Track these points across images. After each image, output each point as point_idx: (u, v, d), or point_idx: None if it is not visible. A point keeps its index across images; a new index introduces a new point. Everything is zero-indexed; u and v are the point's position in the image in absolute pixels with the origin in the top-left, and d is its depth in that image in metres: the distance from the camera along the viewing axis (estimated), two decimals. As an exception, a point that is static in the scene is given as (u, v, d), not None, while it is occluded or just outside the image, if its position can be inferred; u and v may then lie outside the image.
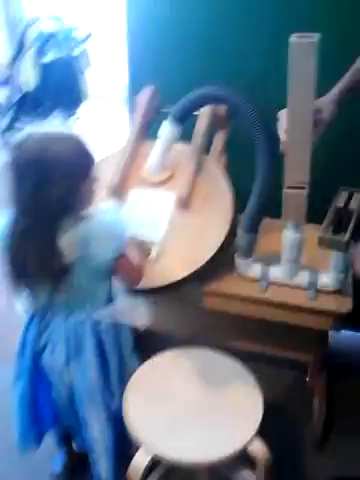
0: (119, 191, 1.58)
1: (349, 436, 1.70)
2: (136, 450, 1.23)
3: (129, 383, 1.34)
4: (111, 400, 1.34)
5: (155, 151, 1.58)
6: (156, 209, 1.56)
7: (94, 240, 1.17)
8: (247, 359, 1.41)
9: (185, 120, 1.53)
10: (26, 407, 1.38)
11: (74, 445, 1.48)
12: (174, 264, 1.46)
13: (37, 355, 1.34)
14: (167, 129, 1.53)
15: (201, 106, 1.56)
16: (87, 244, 1.17)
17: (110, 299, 1.34)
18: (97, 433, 1.34)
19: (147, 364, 1.40)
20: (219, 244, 1.46)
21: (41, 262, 1.16)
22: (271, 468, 1.22)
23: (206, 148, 1.64)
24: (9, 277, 1.22)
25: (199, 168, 1.58)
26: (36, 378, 1.37)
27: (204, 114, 1.62)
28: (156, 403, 1.30)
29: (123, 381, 1.36)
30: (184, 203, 1.52)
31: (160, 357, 1.43)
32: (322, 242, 1.28)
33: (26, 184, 1.12)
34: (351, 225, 1.28)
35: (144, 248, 1.46)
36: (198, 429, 1.23)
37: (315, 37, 1.13)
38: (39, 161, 1.12)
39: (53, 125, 1.20)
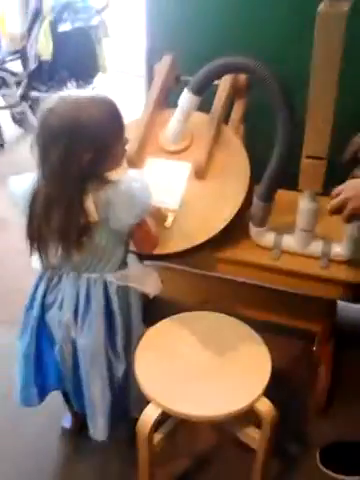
0: (136, 159, 1.59)
1: (352, 404, 1.75)
2: (140, 412, 1.27)
3: (141, 342, 1.38)
4: (115, 362, 1.37)
5: (173, 120, 1.59)
6: (173, 177, 1.58)
7: (119, 205, 1.20)
8: (256, 328, 1.44)
9: (204, 91, 1.53)
10: (29, 362, 1.42)
11: (73, 404, 1.52)
12: (190, 231, 1.48)
13: (45, 311, 1.38)
14: (186, 99, 1.54)
15: (220, 76, 1.56)
16: (112, 207, 1.20)
17: (124, 263, 1.37)
18: (97, 392, 1.37)
19: (159, 325, 1.45)
20: (235, 212, 1.48)
21: (66, 221, 1.18)
22: (276, 427, 1.27)
23: (225, 117, 1.66)
24: (30, 236, 1.26)
25: (217, 137, 1.59)
26: (41, 335, 1.40)
27: (224, 83, 1.63)
28: (166, 361, 1.34)
29: (129, 346, 1.39)
30: (201, 172, 1.54)
31: (172, 319, 1.47)
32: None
33: (57, 148, 1.13)
34: None
35: (161, 215, 1.49)
36: (207, 386, 1.27)
37: (346, 6, 1.12)
38: (72, 125, 1.13)
39: (84, 90, 1.21)
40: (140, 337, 1.40)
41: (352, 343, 1.96)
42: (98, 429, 1.41)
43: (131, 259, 1.40)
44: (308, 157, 1.30)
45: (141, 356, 1.35)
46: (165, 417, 1.31)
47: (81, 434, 1.66)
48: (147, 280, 1.39)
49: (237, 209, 1.49)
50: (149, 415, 1.25)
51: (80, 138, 1.14)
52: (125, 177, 1.24)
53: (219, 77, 1.57)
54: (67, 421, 1.71)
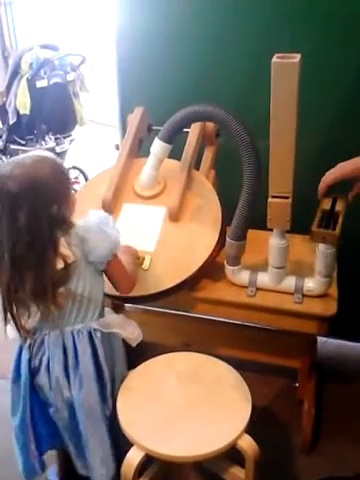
0: (112, 205, 1.65)
1: (337, 438, 1.76)
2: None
3: (123, 385, 1.39)
4: (105, 408, 1.37)
5: (147, 167, 1.66)
6: (148, 221, 1.63)
7: (93, 236, 1.24)
8: (238, 367, 1.46)
9: (173, 138, 1.60)
10: (26, 434, 1.41)
11: (76, 464, 1.48)
12: (166, 272, 1.52)
13: (32, 377, 1.37)
14: (157, 147, 1.61)
15: (188, 124, 1.63)
16: (86, 242, 1.24)
17: (102, 313, 1.39)
18: (97, 442, 1.36)
19: (140, 367, 1.46)
20: (208, 253, 1.53)
21: (40, 277, 1.20)
22: (259, 464, 1.27)
23: (196, 163, 1.72)
24: (5, 304, 1.25)
25: (189, 182, 1.66)
26: (33, 402, 1.39)
27: (193, 131, 1.70)
28: (149, 403, 1.35)
29: (114, 389, 1.39)
30: (175, 215, 1.60)
31: (153, 361, 1.49)
32: (315, 235, 1.35)
33: (24, 211, 1.16)
34: (339, 223, 1.36)
35: (138, 257, 1.53)
36: (189, 427, 1.28)
37: (297, 57, 1.22)
38: (33, 185, 1.17)
39: (24, 154, 1.25)
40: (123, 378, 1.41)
41: (334, 378, 1.98)
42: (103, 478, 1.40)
43: (107, 311, 1.42)
44: (274, 197, 1.36)
45: (123, 399, 1.36)
46: (150, 460, 1.31)
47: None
48: (128, 327, 1.41)
49: (211, 250, 1.54)
50: (133, 459, 1.25)
51: (44, 194, 1.19)
52: (88, 215, 1.29)
53: (187, 125, 1.64)
54: (53, 475, 1.68)
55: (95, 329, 1.34)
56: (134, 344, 1.42)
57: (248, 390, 1.36)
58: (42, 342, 1.35)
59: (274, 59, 1.21)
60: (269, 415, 1.83)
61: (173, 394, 1.37)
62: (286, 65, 1.20)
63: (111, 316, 1.40)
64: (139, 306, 1.77)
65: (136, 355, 1.55)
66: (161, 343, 1.82)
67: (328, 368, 1.99)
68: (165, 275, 1.52)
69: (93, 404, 1.34)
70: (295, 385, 1.84)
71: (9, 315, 1.25)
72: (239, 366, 1.46)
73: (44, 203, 1.19)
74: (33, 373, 1.37)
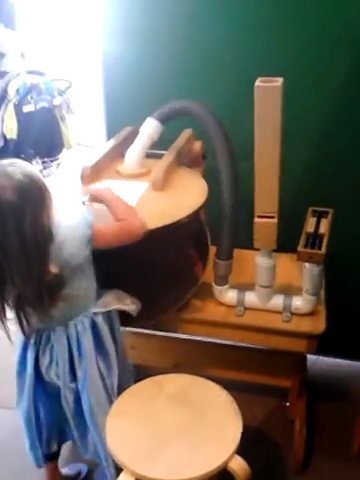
0: (90, 180, 1.50)
1: (329, 457, 1.74)
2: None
3: (112, 408, 1.38)
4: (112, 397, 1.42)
5: (135, 145, 1.57)
6: (128, 192, 1.45)
7: (66, 240, 1.22)
8: (228, 387, 1.45)
9: (167, 120, 1.56)
10: (31, 426, 1.48)
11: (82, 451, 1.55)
12: (149, 219, 1.34)
13: (40, 372, 1.42)
14: (149, 125, 1.55)
15: (182, 114, 1.57)
16: (60, 246, 1.22)
17: (100, 294, 1.40)
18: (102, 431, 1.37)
19: (130, 389, 1.44)
20: (197, 206, 1.42)
21: (40, 283, 1.20)
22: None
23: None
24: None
25: (175, 164, 1.57)
26: (37, 394, 1.44)
27: (183, 135, 1.68)
28: (138, 426, 1.33)
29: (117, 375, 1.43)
30: (159, 185, 1.47)
31: (143, 383, 1.47)
32: (302, 255, 1.38)
33: (25, 225, 1.14)
34: (324, 244, 1.38)
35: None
36: (179, 449, 1.26)
37: (279, 81, 1.24)
38: (25, 196, 1.14)
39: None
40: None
41: (325, 396, 1.97)
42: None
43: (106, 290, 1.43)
44: (259, 216, 1.38)
45: (112, 421, 1.34)
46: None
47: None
48: (126, 300, 1.43)
49: (198, 206, 1.43)
50: (123, 485, 1.23)
51: (38, 199, 1.17)
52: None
53: (181, 115, 1.58)
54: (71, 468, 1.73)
55: (95, 313, 1.37)
56: (134, 314, 1.44)
57: (239, 411, 1.35)
58: (48, 338, 1.37)
59: (257, 83, 1.24)
60: (260, 435, 1.82)
61: (163, 416, 1.36)
62: (269, 89, 1.23)
63: (108, 294, 1.41)
64: (128, 328, 1.75)
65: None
66: (151, 365, 1.81)
67: (319, 386, 1.98)
68: (149, 220, 1.33)
69: (99, 393, 1.39)
70: (286, 404, 1.84)
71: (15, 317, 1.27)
72: (229, 386, 1.45)
73: (41, 209, 1.17)
74: (43, 368, 1.40)
